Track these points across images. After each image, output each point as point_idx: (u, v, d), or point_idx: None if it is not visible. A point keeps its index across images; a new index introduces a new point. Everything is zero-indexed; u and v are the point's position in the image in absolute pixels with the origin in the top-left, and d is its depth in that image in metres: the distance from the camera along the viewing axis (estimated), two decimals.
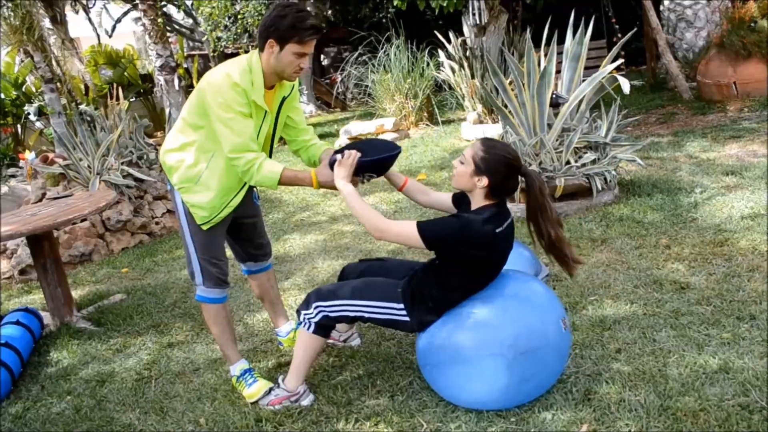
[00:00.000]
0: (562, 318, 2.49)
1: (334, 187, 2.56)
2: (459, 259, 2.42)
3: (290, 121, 2.89)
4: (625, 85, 4.42)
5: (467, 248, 2.37)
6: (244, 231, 3.03)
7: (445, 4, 6.50)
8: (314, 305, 2.59)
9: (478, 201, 2.47)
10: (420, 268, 2.64)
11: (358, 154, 2.54)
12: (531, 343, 2.37)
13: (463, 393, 2.46)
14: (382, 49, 9.16)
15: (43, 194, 5.72)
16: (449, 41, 8.51)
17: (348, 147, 2.65)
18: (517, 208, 4.67)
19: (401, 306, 2.52)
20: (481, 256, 2.40)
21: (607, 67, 4.58)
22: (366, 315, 2.57)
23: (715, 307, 3.00)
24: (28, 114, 8.60)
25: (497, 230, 2.39)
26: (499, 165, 2.40)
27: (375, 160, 2.57)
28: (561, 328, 2.47)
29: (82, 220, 5.45)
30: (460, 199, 2.64)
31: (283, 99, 2.78)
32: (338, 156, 2.55)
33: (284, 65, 2.57)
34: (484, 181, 2.41)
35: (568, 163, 4.56)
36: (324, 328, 2.62)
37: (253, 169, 2.56)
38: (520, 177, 2.48)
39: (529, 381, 2.41)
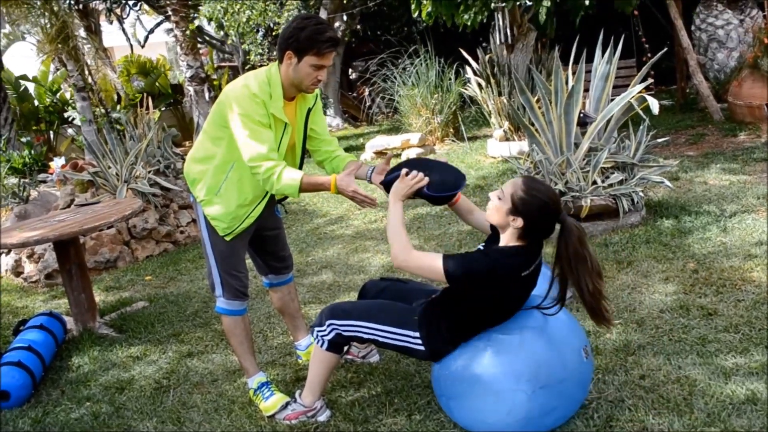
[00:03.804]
0: (584, 347, 2.44)
1: (352, 196, 2.55)
2: (477, 297, 2.36)
3: (312, 132, 2.89)
4: (655, 105, 4.36)
5: (488, 289, 2.32)
6: (266, 243, 3.03)
7: (469, 23, 6.49)
8: (327, 323, 2.56)
9: (508, 239, 2.38)
10: (437, 296, 2.59)
11: (425, 181, 2.46)
12: (551, 376, 2.31)
13: (480, 425, 2.40)
14: (411, 64, 9.17)
15: (72, 200, 5.80)
16: (477, 58, 8.51)
17: (410, 163, 2.56)
18: None
19: (416, 334, 2.47)
20: (498, 297, 2.35)
21: (636, 87, 4.53)
22: (380, 339, 2.53)
23: (743, 335, 2.93)
24: (73, 119, 8.82)
25: (524, 273, 2.34)
26: (537, 209, 2.30)
27: (438, 197, 2.51)
28: (582, 357, 2.41)
29: (109, 227, 5.51)
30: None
31: (309, 110, 2.79)
32: (402, 171, 2.47)
33: (302, 77, 2.58)
34: (519, 222, 2.32)
35: (594, 183, 4.50)
36: (337, 345, 2.59)
37: (273, 178, 2.54)
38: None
39: (550, 414, 2.35)
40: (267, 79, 2.60)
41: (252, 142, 2.54)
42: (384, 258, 4.72)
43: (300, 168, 2.88)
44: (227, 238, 2.76)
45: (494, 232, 2.55)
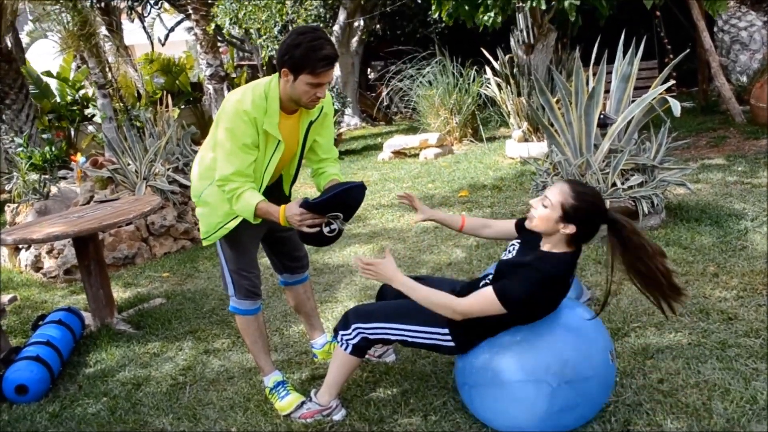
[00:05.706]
0: (610, 350, 2.42)
1: (299, 226, 2.51)
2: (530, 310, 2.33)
3: (314, 144, 2.81)
4: (676, 107, 4.31)
5: (545, 303, 2.32)
6: (280, 243, 3.03)
7: (489, 23, 6.46)
8: (353, 326, 2.54)
9: (555, 245, 2.33)
10: (462, 289, 2.57)
11: (300, 200, 2.49)
12: (577, 372, 2.29)
13: (499, 416, 2.40)
14: (428, 65, 9.16)
15: (91, 197, 5.85)
16: (496, 58, 8.47)
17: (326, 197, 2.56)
18: None
19: (446, 330, 2.45)
20: (543, 304, 2.34)
21: (657, 89, 4.49)
22: (409, 339, 2.52)
23: (764, 340, 2.89)
24: (94, 115, 8.92)
25: (570, 279, 2.33)
26: (591, 215, 2.27)
27: (326, 199, 2.48)
28: (609, 360, 2.39)
29: (127, 224, 5.55)
30: (523, 225, 2.49)
31: (310, 123, 2.71)
32: (307, 200, 2.51)
33: (299, 94, 2.50)
34: (571, 228, 2.26)
35: (614, 185, 4.46)
36: (361, 349, 2.58)
37: (233, 198, 2.55)
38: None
39: (570, 411, 2.33)
40: (264, 93, 2.52)
41: (226, 160, 2.52)
42: (401, 257, 4.71)
43: (293, 181, 2.87)
44: (204, 242, 2.76)
45: (524, 235, 2.50)
